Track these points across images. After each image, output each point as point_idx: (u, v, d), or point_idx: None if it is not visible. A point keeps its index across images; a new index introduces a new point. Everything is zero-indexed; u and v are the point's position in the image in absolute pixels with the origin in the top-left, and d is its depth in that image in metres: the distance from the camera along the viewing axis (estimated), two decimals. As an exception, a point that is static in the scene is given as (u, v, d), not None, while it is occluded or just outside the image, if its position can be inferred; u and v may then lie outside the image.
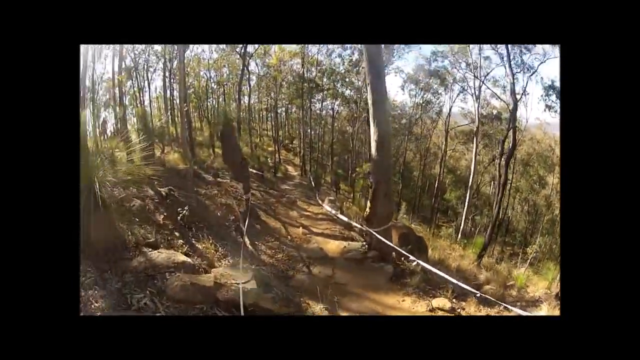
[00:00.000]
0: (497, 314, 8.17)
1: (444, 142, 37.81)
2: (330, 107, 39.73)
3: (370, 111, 10.58)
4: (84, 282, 4.68)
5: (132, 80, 33.52)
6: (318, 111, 39.85)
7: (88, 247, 5.22)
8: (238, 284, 5.50)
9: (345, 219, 13.90)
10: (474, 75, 29.55)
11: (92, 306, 4.36)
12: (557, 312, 8.99)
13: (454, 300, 8.73)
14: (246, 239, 6.83)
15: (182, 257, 6.18)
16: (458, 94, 33.99)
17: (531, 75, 25.49)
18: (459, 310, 8.28)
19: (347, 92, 37.15)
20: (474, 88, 30.34)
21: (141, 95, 36.40)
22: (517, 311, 7.54)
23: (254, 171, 20.78)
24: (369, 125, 10.77)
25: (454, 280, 8.45)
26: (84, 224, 5.14)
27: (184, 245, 7.37)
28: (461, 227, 28.47)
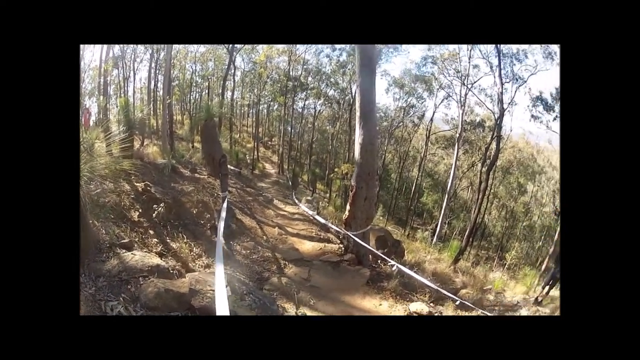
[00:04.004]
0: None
1: (424, 146, 38.06)
2: (312, 106, 39.89)
3: (358, 114, 10.46)
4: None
5: (118, 69, 33.38)
6: (299, 110, 39.90)
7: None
8: (214, 290, 5.33)
9: (322, 220, 13.78)
10: (462, 83, 29.81)
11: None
12: (537, 317, 9.05)
13: (431, 304, 8.70)
14: (222, 240, 6.66)
15: (156, 260, 5.86)
16: (442, 100, 34.34)
17: (520, 86, 25.63)
18: (436, 314, 8.22)
19: (331, 92, 37.26)
20: (460, 95, 30.62)
21: (126, 85, 36.28)
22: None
23: (232, 168, 20.61)
24: (350, 127, 10.72)
25: (433, 285, 8.43)
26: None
27: (158, 245, 7.16)
28: (437, 230, 28.59)
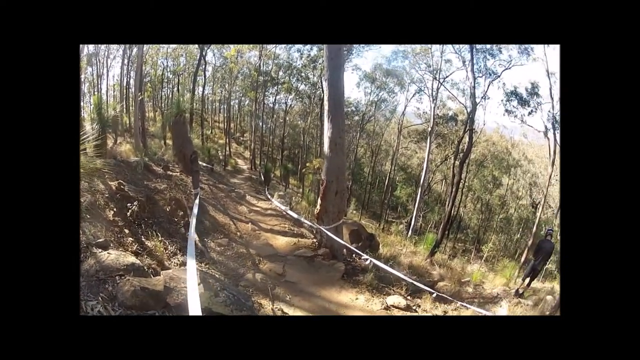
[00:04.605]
0: (454, 311, 8.21)
1: (397, 140, 38.19)
2: (283, 101, 39.83)
3: (326, 108, 10.49)
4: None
5: (92, 67, 32.99)
6: (271, 105, 39.79)
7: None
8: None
9: (294, 215, 13.80)
10: (433, 77, 29.94)
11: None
12: (518, 309, 9.17)
13: (408, 297, 8.72)
14: (195, 237, 6.59)
15: (131, 259, 5.77)
16: (414, 94, 34.53)
17: (493, 80, 25.95)
18: (414, 307, 8.27)
19: (302, 86, 37.18)
20: (432, 89, 30.77)
21: (99, 82, 35.84)
22: (474, 309, 7.58)
23: (204, 164, 20.47)
24: (321, 122, 10.71)
25: (408, 279, 8.46)
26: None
27: (133, 244, 7.06)
28: (412, 223, 28.70)
